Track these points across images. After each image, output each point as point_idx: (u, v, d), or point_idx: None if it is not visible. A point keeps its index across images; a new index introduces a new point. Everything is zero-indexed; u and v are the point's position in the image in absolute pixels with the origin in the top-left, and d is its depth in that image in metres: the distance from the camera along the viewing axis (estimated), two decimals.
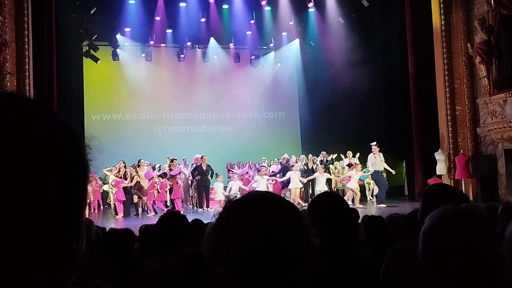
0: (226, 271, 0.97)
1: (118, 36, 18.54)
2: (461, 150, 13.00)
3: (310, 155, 15.34)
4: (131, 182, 13.15)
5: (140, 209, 13.33)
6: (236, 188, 13.02)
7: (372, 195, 13.99)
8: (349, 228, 2.02)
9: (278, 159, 16.11)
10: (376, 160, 13.30)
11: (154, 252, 3.22)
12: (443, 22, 13.38)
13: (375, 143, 13.55)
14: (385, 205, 12.79)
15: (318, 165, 14.37)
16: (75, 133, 0.62)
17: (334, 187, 14.10)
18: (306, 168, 14.72)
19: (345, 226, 2.00)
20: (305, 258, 0.98)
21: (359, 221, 4.33)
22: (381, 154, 13.40)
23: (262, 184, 12.94)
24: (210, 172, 14.15)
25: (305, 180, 13.83)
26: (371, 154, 13.40)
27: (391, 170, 13.42)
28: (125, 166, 13.55)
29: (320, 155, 15.40)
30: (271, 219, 0.95)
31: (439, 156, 13.22)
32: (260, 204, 0.99)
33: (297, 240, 0.96)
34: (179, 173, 13.66)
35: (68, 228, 0.59)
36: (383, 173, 13.41)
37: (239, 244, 0.94)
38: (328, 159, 15.24)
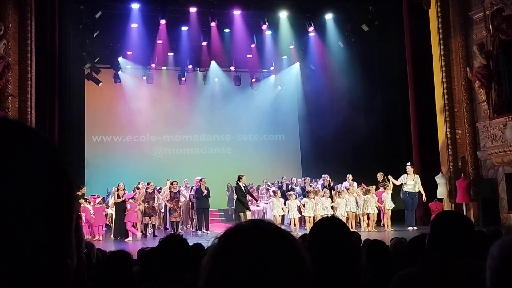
0: None
1: (120, 59, 18.71)
2: (462, 174, 12.95)
3: (307, 178, 15.25)
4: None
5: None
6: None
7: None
8: (351, 252, 2.01)
9: (278, 181, 16.06)
10: (408, 181, 12.82)
11: (155, 276, 3.17)
12: (442, 47, 13.49)
13: (409, 163, 13.06)
14: (413, 228, 12.35)
15: (318, 188, 14.22)
16: (58, 150, 0.62)
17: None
18: (304, 191, 14.59)
19: (347, 250, 1.99)
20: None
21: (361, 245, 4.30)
22: (417, 176, 12.88)
23: (293, 207, 12.87)
24: (208, 194, 14.02)
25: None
26: (404, 174, 12.91)
27: (423, 195, 12.81)
28: (124, 189, 13.52)
29: (322, 178, 15.14)
30: (261, 249, 0.92)
31: (440, 179, 13.16)
32: (250, 233, 0.96)
33: (290, 271, 0.93)
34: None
35: (59, 242, 0.59)
36: (417, 195, 12.78)
37: (229, 275, 0.91)
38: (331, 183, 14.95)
